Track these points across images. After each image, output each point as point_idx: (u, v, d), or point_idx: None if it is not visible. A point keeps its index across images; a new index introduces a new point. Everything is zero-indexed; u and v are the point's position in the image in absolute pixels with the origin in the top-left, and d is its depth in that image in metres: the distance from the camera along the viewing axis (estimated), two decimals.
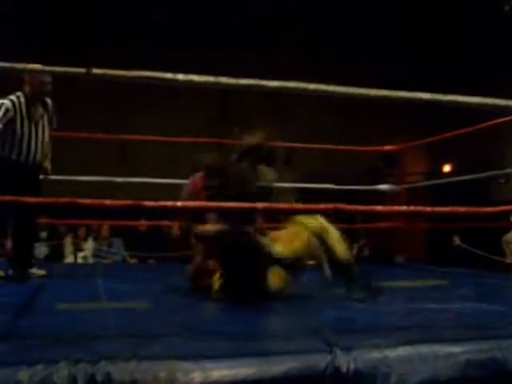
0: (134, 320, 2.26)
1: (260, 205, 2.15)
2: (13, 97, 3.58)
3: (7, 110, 3.50)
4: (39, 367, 1.50)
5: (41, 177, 3.77)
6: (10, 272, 3.56)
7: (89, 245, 7.46)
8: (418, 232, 9.66)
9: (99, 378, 1.51)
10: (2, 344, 1.75)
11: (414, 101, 2.40)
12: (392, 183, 5.83)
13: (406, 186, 5.93)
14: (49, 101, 3.76)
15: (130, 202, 2.13)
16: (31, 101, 3.61)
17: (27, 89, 3.60)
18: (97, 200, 2.14)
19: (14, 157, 3.54)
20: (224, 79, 2.24)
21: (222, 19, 9.71)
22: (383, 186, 5.73)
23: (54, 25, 9.36)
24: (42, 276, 3.62)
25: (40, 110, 3.67)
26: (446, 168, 10.86)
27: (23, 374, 1.48)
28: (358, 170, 9.44)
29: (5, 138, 3.53)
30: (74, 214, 4.44)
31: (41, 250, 5.38)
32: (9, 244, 4.36)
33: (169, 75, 2.19)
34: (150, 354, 1.62)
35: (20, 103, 3.57)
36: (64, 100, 8.92)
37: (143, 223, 7.12)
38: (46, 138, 3.74)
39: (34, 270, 3.62)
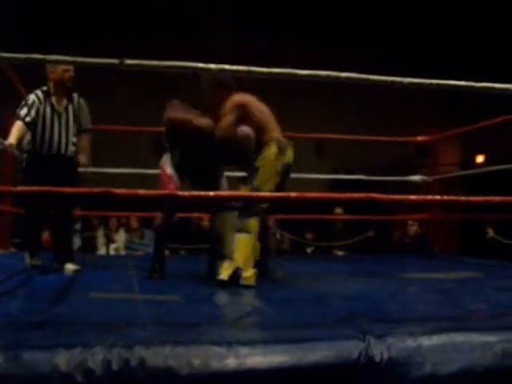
0: (167, 310, 2.28)
1: (293, 194, 2.14)
2: (37, 91, 3.64)
3: (33, 103, 3.57)
4: (75, 351, 1.52)
5: (80, 169, 3.79)
6: (54, 265, 3.63)
7: (120, 236, 7.52)
8: (452, 223, 9.52)
9: (133, 362, 1.52)
10: (39, 329, 1.79)
11: (448, 88, 2.37)
12: (424, 174, 5.75)
13: (438, 176, 5.84)
14: (76, 96, 3.76)
15: (164, 191, 2.14)
16: (55, 92, 3.66)
17: (50, 80, 3.65)
18: (131, 190, 2.16)
19: (41, 149, 3.60)
20: (256, 69, 2.24)
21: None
22: (415, 177, 5.67)
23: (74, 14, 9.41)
24: (77, 271, 3.64)
25: (64, 101, 3.70)
26: (479, 159, 10.66)
27: (60, 357, 1.51)
28: (389, 162, 9.30)
29: (34, 131, 3.59)
30: (106, 205, 4.47)
31: (74, 241, 5.44)
32: (45, 235, 4.43)
33: (201, 65, 2.19)
34: (184, 339, 1.64)
35: (44, 95, 3.63)
36: (98, 91, 9.09)
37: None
38: (74, 130, 3.72)
39: (69, 266, 3.64)
